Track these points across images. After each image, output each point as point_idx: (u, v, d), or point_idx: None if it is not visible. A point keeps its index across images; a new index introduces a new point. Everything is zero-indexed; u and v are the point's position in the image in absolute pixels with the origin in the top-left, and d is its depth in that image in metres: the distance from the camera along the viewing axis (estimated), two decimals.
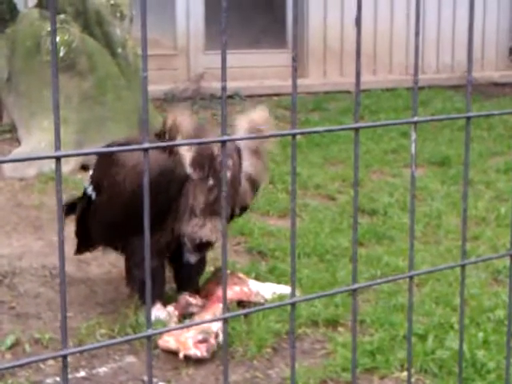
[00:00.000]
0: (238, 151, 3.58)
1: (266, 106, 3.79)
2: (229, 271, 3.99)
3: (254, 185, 3.66)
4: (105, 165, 3.73)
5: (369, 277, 4.18)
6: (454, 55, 10.68)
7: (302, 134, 1.36)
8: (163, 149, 3.48)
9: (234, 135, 3.56)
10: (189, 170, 3.48)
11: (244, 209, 3.81)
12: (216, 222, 3.59)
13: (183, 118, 3.52)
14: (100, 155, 3.84)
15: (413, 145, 1.51)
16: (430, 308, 3.83)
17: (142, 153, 3.96)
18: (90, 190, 3.83)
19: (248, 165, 3.60)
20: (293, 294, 1.38)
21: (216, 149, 3.51)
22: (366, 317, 3.73)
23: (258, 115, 3.60)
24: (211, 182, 3.51)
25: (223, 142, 1.27)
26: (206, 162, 3.50)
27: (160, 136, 3.53)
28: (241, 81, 9.31)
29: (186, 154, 3.48)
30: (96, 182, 3.79)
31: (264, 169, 3.68)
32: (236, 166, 3.55)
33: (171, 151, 3.48)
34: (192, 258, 3.70)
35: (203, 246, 3.65)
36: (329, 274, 4.22)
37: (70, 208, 4.11)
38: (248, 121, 3.56)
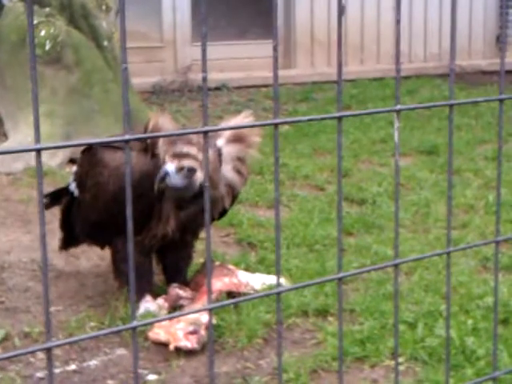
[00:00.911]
0: (219, 155, 3.55)
1: (250, 111, 3.75)
2: (218, 262, 3.99)
3: (233, 190, 3.63)
4: (88, 164, 3.71)
5: (358, 266, 4.18)
6: (441, 44, 10.68)
7: (284, 123, 1.36)
8: (145, 152, 3.46)
9: (218, 138, 3.55)
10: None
11: (222, 213, 3.81)
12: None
13: (164, 121, 3.48)
14: (84, 154, 3.81)
15: (396, 133, 1.51)
16: (419, 296, 3.84)
17: (124, 154, 3.91)
18: (73, 187, 3.83)
19: (228, 170, 3.57)
20: (278, 284, 1.38)
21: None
22: (356, 306, 3.74)
23: (242, 120, 3.57)
24: None
25: (205, 133, 1.27)
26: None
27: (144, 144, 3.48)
28: (228, 72, 9.30)
29: (167, 159, 3.43)
30: (79, 180, 3.78)
31: (244, 176, 3.65)
32: (216, 170, 3.51)
33: (153, 155, 3.46)
34: (170, 166, 3.38)
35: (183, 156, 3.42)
36: (318, 264, 4.23)
37: (53, 199, 4.11)
38: (233, 123, 3.52)
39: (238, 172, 3.59)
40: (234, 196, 3.71)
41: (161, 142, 3.43)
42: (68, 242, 4.08)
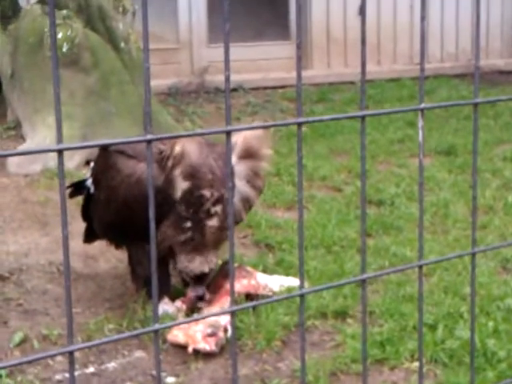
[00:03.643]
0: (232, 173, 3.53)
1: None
2: (236, 264, 3.97)
3: (248, 204, 3.64)
4: (102, 164, 3.74)
5: (377, 267, 4.16)
6: (458, 44, 10.63)
7: (307, 122, 1.34)
8: (158, 168, 3.44)
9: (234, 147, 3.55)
10: (177, 202, 3.47)
11: (237, 222, 3.79)
12: (207, 253, 3.59)
13: (192, 149, 3.47)
14: (100, 152, 3.84)
15: (420, 132, 1.49)
16: (439, 298, 3.81)
17: (137, 163, 3.91)
18: (89, 183, 3.88)
19: (242, 185, 3.56)
20: (302, 286, 1.36)
21: (208, 193, 3.48)
22: (375, 308, 3.72)
23: (253, 133, 3.56)
24: (189, 224, 3.50)
25: (228, 133, 1.25)
26: (194, 202, 3.48)
27: (162, 158, 3.45)
28: (245, 74, 9.28)
29: (181, 184, 3.44)
30: (95, 176, 3.83)
31: (259, 189, 3.65)
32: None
33: (163, 168, 3.44)
34: (198, 291, 3.68)
35: (201, 278, 3.66)
36: (336, 266, 4.20)
37: (77, 189, 4.13)
38: (242, 139, 3.52)
39: (253, 187, 3.60)
40: (249, 207, 3.72)
41: (180, 167, 3.42)
42: (91, 234, 4.08)
